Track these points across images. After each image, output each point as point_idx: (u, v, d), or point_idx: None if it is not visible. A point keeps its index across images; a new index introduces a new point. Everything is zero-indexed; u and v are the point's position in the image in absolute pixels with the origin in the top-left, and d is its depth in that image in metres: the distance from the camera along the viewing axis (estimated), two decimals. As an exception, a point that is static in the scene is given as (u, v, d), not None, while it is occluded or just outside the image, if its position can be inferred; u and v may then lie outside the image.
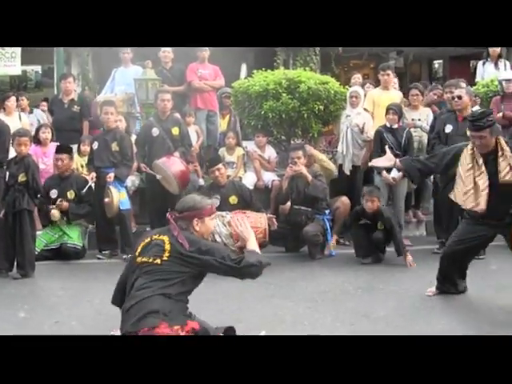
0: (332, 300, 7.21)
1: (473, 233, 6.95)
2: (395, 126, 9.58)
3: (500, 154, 6.40)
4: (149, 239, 5.22)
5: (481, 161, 6.44)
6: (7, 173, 8.52)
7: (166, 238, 5.12)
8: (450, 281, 7.28)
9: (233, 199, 9.22)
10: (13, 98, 11.27)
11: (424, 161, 7.30)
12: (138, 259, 5.12)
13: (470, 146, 6.58)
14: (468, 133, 8.78)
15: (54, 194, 9.51)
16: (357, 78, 12.72)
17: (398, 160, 7.40)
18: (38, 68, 19.32)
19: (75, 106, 11.69)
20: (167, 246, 5.06)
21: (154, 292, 4.89)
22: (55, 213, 9.34)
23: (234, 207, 8.95)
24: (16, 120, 11.24)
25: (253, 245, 5.45)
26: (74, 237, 9.42)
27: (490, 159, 6.48)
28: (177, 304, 4.96)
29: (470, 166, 6.52)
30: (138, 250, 5.19)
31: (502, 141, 6.37)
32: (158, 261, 5.01)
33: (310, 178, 9.23)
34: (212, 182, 9.52)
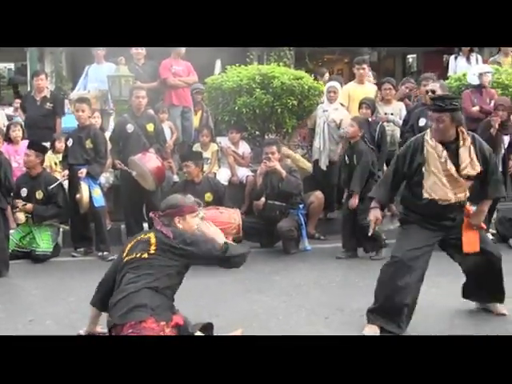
0: (306, 294, 7.23)
1: (427, 240, 6.15)
2: (369, 119, 9.62)
3: (461, 143, 5.90)
4: (135, 240, 5.34)
5: (440, 148, 5.90)
6: (-22, 171, 8.46)
7: (151, 235, 5.26)
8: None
9: (208, 196, 9.20)
10: None
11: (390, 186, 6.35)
12: (126, 258, 5.20)
13: (429, 135, 6.05)
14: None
15: (23, 192, 9.39)
16: (325, 76, 12.74)
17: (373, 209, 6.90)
18: (11, 65, 19.22)
19: (48, 104, 11.59)
20: (153, 240, 5.17)
21: (141, 286, 4.98)
22: (19, 216, 9.25)
23: (208, 204, 8.95)
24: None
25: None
26: (43, 244, 9.25)
27: (451, 150, 5.93)
28: (164, 299, 5.05)
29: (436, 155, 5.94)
30: (126, 251, 5.28)
31: (464, 131, 6.00)
32: (145, 255, 5.12)
33: (284, 173, 9.23)
34: (186, 178, 9.50)
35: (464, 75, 11.49)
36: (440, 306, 6.71)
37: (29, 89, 14.32)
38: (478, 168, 5.84)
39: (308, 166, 10.28)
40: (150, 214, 5.51)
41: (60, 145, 10.69)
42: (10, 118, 12.29)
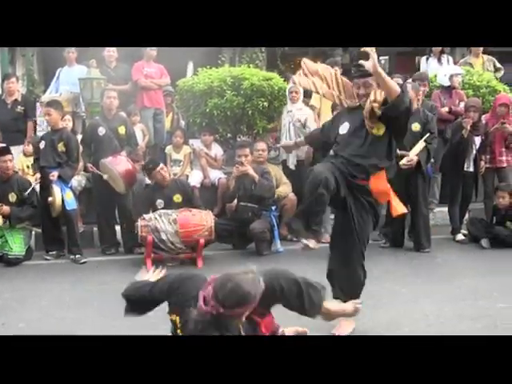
0: (279, 295, 7.24)
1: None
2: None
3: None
4: None
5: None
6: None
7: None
8: None
9: (177, 197, 9.19)
10: None
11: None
12: None
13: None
14: (412, 126, 8.95)
15: (-5, 196, 9.39)
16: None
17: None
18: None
19: (19, 107, 11.57)
20: None
21: None
22: None
23: (178, 205, 8.99)
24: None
25: None
26: (15, 247, 9.19)
27: None
28: None
29: None
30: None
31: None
32: None
33: (256, 177, 9.27)
34: (155, 182, 9.48)
35: (435, 76, 11.59)
36: (412, 305, 6.79)
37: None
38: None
39: (287, 191, 10.16)
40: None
41: (28, 148, 10.69)
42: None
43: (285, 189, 10.02)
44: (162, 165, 9.38)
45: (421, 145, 8.88)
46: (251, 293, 3.90)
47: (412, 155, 8.84)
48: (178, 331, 4.17)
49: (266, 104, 10.60)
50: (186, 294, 4.20)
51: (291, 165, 10.41)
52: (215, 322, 3.91)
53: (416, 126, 8.99)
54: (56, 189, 9.12)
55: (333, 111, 9.75)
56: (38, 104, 12.12)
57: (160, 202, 9.05)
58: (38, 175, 9.57)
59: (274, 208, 9.53)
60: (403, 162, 8.83)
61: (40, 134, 11.19)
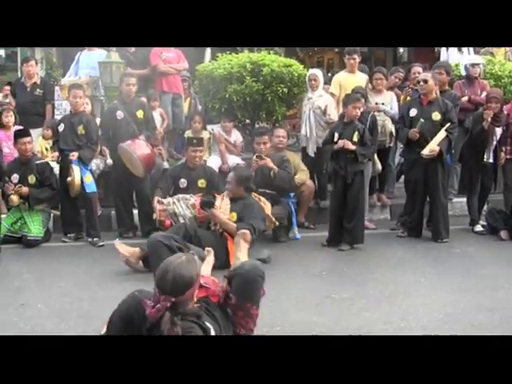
0: (296, 282, 7.25)
1: None
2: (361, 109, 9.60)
3: None
4: None
5: None
6: (-31, 157, 8.48)
7: None
8: None
9: (201, 182, 9.19)
10: None
11: None
12: None
13: None
14: (433, 115, 8.93)
15: (15, 178, 9.38)
16: None
17: None
18: (2, 52, 19.10)
19: (38, 90, 11.61)
20: None
21: None
22: (14, 198, 9.24)
23: (201, 190, 8.97)
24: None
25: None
26: (34, 229, 9.26)
27: None
28: None
29: None
30: None
31: None
32: None
33: (276, 169, 9.24)
34: (183, 162, 9.47)
35: (456, 66, 11.50)
36: (430, 295, 6.74)
37: (19, 75, 14.27)
38: None
39: (303, 179, 10.12)
40: None
41: (48, 131, 10.72)
42: (1, 104, 12.23)
43: (302, 176, 9.97)
44: (201, 148, 9.46)
45: (442, 134, 8.83)
46: (192, 274, 4.16)
47: (434, 145, 8.80)
48: None
49: (285, 90, 10.55)
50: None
51: (310, 152, 10.37)
52: (174, 312, 4.08)
53: (436, 115, 8.95)
54: (75, 168, 9.14)
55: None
56: (56, 87, 12.13)
57: (183, 182, 9.05)
58: (56, 154, 9.60)
59: (291, 195, 9.49)
60: (425, 152, 8.80)
61: (58, 117, 11.22)
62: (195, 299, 4.36)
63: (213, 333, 4.31)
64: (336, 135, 8.82)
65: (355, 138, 8.72)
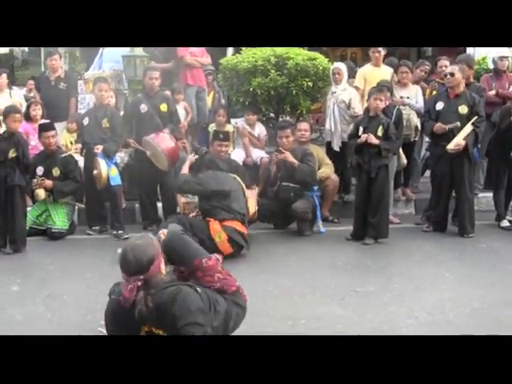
0: (321, 275, 7.24)
1: None
2: (386, 103, 9.53)
3: None
4: None
5: None
6: (-5, 149, 8.51)
7: None
8: None
9: (227, 176, 9.17)
10: (4, 75, 11.37)
11: None
12: None
13: None
14: (459, 108, 8.86)
15: (40, 171, 9.42)
16: None
17: None
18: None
19: (62, 83, 11.65)
20: None
21: None
22: (39, 192, 9.28)
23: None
24: (7, 96, 11.25)
25: None
26: (59, 221, 9.33)
27: None
28: None
29: None
30: None
31: None
32: None
33: (296, 163, 9.17)
34: (210, 158, 9.50)
35: (483, 59, 11.41)
36: (456, 290, 6.70)
37: (42, 69, 14.33)
38: None
39: (328, 173, 10.08)
40: None
41: (72, 125, 10.76)
42: (26, 98, 12.30)
43: (327, 170, 9.94)
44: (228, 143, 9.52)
45: (468, 128, 8.76)
46: (150, 250, 4.33)
47: (460, 139, 8.73)
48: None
49: (310, 84, 10.49)
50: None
51: (335, 146, 10.34)
52: (147, 288, 4.27)
53: (463, 109, 8.88)
54: (101, 161, 9.16)
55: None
56: (79, 81, 12.17)
57: None
58: (79, 145, 9.65)
59: (315, 188, 9.46)
60: (451, 146, 8.74)
61: (81, 111, 11.28)
62: (164, 272, 4.51)
63: (199, 289, 4.46)
64: (361, 129, 8.78)
65: (379, 133, 8.68)
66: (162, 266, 4.49)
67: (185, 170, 8.89)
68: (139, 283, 4.26)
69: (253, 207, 8.69)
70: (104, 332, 5.13)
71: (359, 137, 8.74)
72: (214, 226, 8.00)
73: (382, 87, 9.16)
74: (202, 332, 4.20)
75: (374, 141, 8.60)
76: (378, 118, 8.76)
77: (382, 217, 8.73)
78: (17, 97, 11.69)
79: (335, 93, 10.38)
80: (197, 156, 9.24)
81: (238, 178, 8.70)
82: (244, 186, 8.64)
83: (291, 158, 9.21)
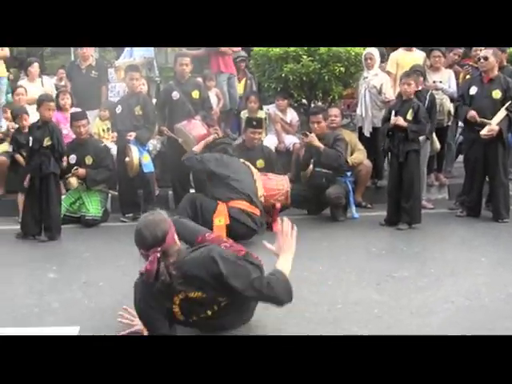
0: (356, 260, 7.22)
1: None
2: (419, 88, 9.46)
3: None
4: None
5: None
6: (30, 138, 8.56)
7: None
8: None
9: (260, 163, 9.16)
10: (36, 65, 11.48)
11: None
12: None
13: None
14: (493, 93, 8.78)
15: (72, 159, 9.47)
16: None
17: None
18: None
19: (93, 72, 11.70)
20: None
21: None
22: (72, 181, 9.34)
23: (259, 171, 8.92)
24: (38, 85, 11.32)
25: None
26: (92, 209, 9.39)
27: None
28: None
29: None
30: None
31: None
32: None
33: (322, 147, 9.14)
34: (241, 143, 9.48)
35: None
36: (491, 275, 6.65)
37: (72, 58, 14.39)
38: None
39: (360, 159, 10.05)
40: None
41: (105, 112, 10.80)
42: (57, 87, 12.37)
43: (359, 155, 9.92)
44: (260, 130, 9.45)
45: (502, 113, 8.68)
46: (162, 223, 4.61)
47: (493, 124, 8.65)
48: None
49: (342, 69, 10.46)
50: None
51: (366, 132, 10.30)
52: (166, 259, 4.54)
53: (497, 93, 8.80)
54: (133, 148, 9.20)
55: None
56: (110, 69, 12.22)
57: None
58: (115, 134, 9.69)
59: (349, 174, 9.43)
60: (484, 131, 8.67)
61: (112, 99, 11.32)
62: (178, 242, 4.78)
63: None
64: (393, 113, 8.73)
65: (409, 116, 8.62)
66: (176, 237, 4.75)
67: (197, 148, 8.96)
68: (158, 255, 4.49)
69: (261, 190, 8.57)
70: (124, 321, 5.20)
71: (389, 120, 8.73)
72: (221, 208, 7.94)
73: (410, 72, 9.09)
74: (257, 276, 4.69)
75: (402, 123, 8.55)
76: (409, 102, 8.70)
77: (414, 202, 8.68)
78: (48, 86, 11.74)
79: (367, 78, 10.35)
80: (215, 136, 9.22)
81: (247, 163, 8.64)
82: (255, 170, 8.60)
83: (317, 142, 9.19)
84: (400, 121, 8.55)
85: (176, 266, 4.57)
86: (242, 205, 8.03)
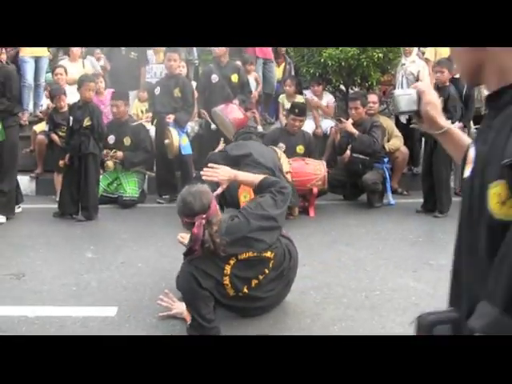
0: (393, 247, 7.22)
1: None
2: (457, 75, 9.39)
3: None
4: None
5: None
6: (71, 117, 8.63)
7: None
8: None
9: (300, 148, 9.15)
10: None
11: None
12: None
13: None
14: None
15: (111, 139, 9.55)
16: None
17: None
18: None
19: (132, 53, 11.72)
20: None
21: None
22: (109, 163, 9.41)
23: (298, 155, 8.95)
24: (80, 66, 11.39)
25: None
26: (129, 189, 9.45)
27: None
28: None
29: None
30: None
31: None
32: None
33: (356, 133, 9.13)
34: (281, 127, 9.47)
35: None
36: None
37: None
38: None
39: (397, 145, 9.99)
40: None
41: (143, 94, 10.85)
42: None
43: (396, 142, 9.90)
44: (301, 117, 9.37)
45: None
46: (207, 192, 4.80)
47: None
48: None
49: (380, 55, 10.42)
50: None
51: (403, 118, 10.25)
52: (210, 226, 4.70)
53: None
54: (173, 131, 9.24)
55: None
56: (148, 51, 12.24)
57: (281, 146, 8.96)
58: (150, 114, 9.73)
59: (386, 160, 9.41)
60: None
61: (149, 80, 11.35)
62: (219, 212, 5.01)
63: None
64: None
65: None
66: (218, 207, 5.02)
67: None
68: (203, 222, 4.66)
69: (286, 167, 8.52)
70: (163, 304, 5.24)
71: None
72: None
73: (442, 59, 9.03)
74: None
75: None
76: (442, 90, 8.64)
77: (441, 192, 8.67)
78: (90, 67, 11.80)
79: (404, 65, 10.34)
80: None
81: (273, 147, 8.63)
82: (279, 150, 8.61)
83: (350, 128, 9.19)
84: None
85: (219, 234, 4.75)
86: None
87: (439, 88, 8.68)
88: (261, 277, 5.04)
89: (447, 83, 8.72)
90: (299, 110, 9.25)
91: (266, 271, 5.06)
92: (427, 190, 8.89)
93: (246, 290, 4.98)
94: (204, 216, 4.67)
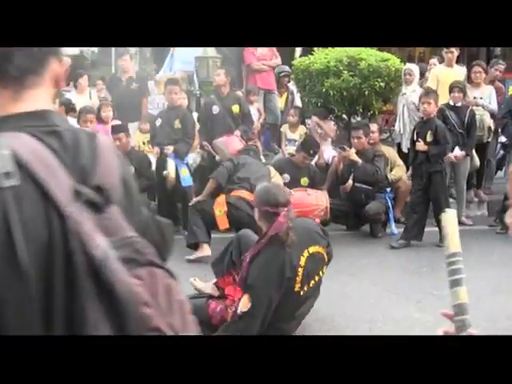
0: (396, 278, 7.22)
1: None
2: (459, 104, 9.44)
3: None
4: None
5: None
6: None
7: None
8: None
9: (304, 181, 9.15)
10: (85, 77, 11.50)
11: None
12: None
13: None
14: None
15: (119, 169, 9.54)
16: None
17: None
18: (95, 48, 19.44)
19: (133, 84, 11.76)
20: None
21: None
22: None
23: (302, 187, 8.95)
24: (87, 97, 11.41)
25: None
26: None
27: None
28: None
29: None
30: None
31: None
32: None
33: (359, 162, 9.17)
34: (288, 159, 9.50)
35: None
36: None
37: (113, 70, 14.50)
38: None
39: (400, 175, 10.01)
40: None
41: (145, 125, 10.86)
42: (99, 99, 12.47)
43: (399, 171, 9.90)
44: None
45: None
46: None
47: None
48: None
49: (382, 85, 10.42)
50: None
51: (404, 148, 10.28)
52: (290, 220, 5.05)
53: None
54: (170, 162, 9.24)
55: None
56: (150, 82, 12.30)
57: (285, 177, 8.95)
58: (157, 149, 9.76)
59: (388, 190, 9.42)
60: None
61: (151, 111, 11.38)
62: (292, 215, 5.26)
63: None
64: (415, 134, 8.79)
65: (429, 137, 8.62)
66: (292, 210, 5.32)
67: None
68: (288, 213, 5.06)
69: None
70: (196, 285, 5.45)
71: (413, 141, 8.81)
72: (219, 199, 8.12)
73: (429, 90, 9.06)
74: None
75: (422, 148, 8.59)
76: (429, 122, 8.69)
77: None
78: (95, 98, 11.85)
79: (405, 94, 10.36)
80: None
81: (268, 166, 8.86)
82: (272, 169, 8.74)
83: (353, 156, 9.22)
84: (420, 146, 8.57)
85: (292, 230, 5.03)
86: (241, 193, 8.06)
87: (425, 121, 8.72)
88: (317, 277, 5.33)
89: (432, 114, 8.72)
90: (314, 152, 9.32)
91: (321, 273, 5.39)
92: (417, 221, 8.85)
93: (312, 284, 5.29)
94: (286, 209, 5.05)
